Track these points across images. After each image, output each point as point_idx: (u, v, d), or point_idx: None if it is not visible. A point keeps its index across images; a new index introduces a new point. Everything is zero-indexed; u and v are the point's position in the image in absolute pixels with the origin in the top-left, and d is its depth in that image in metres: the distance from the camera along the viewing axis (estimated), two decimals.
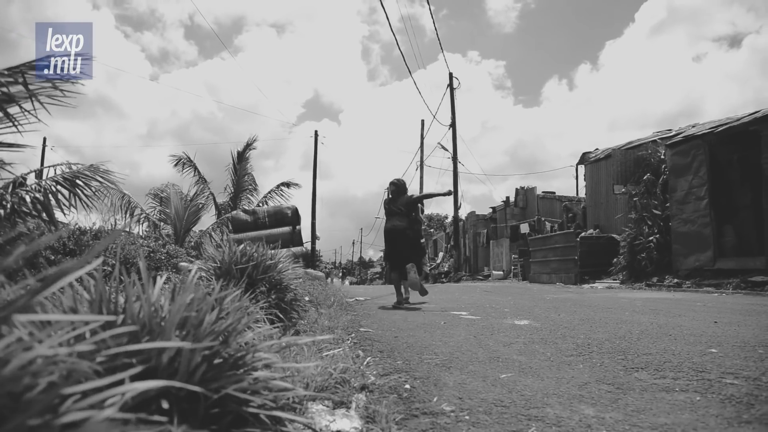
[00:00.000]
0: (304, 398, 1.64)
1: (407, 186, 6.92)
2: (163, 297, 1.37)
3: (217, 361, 1.25)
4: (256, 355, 1.36)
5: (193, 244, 11.25)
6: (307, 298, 4.72)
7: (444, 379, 2.15)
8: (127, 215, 10.48)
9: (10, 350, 0.74)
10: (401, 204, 6.37)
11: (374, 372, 2.29)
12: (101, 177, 4.24)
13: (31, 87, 2.84)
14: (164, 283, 1.45)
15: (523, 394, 1.90)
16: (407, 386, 2.03)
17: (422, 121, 27.02)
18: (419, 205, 6.84)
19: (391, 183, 6.60)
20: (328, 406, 1.79)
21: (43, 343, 0.81)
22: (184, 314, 1.23)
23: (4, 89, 2.79)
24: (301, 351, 2.25)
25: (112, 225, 9.65)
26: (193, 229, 12.49)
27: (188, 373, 1.12)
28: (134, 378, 0.95)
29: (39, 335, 0.80)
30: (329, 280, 19.01)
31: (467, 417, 1.63)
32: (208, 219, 14.54)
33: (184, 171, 16.62)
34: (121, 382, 0.83)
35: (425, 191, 19.49)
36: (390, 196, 6.53)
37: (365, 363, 2.45)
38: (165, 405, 1.04)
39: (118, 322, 1.11)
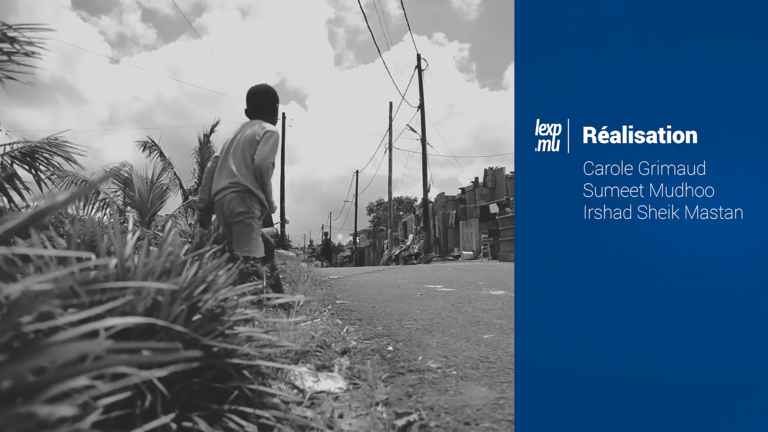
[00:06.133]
0: (286, 356, 1.60)
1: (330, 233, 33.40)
2: (137, 256, 1.29)
3: (197, 317, 1.19)
4: (237, 311, 1.31)
5: (159, 228, 10.96)
6: (280, 275, 4.65)
7: (426, 341, 2.13)
8: (90, 199, 10.10)
9: None
10: (330, 246, 28.11)
11: (355, 337, 2.26)
12: (62, 153, 4.03)
13: None
14: (137, 239, 1.38)
15: (508, 351, 1.89)
16: (390, 348, 2.00)
17: (390, 103, 26.84)
18: (331, 242, 30.58)
19: (324, 233, 31.59)
20: (310, 368, 1.75)
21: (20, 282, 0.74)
22: (164, 265, 1.16)
23: None
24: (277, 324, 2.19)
25: (74, 209, 9.29)
26: (159, 213, 12.18)
27: (168, 322, 1.06)
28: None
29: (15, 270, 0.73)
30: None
31: (455, 372, 1.61)
32: (174, 203, 14.20)
33: (151, 155, 16.20)
34: (101, 318, 0.77)
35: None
36: (325, 239, 29.16)
37: (345, 330, 2.42)
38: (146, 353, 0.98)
39: (92, 259, 1.04)
